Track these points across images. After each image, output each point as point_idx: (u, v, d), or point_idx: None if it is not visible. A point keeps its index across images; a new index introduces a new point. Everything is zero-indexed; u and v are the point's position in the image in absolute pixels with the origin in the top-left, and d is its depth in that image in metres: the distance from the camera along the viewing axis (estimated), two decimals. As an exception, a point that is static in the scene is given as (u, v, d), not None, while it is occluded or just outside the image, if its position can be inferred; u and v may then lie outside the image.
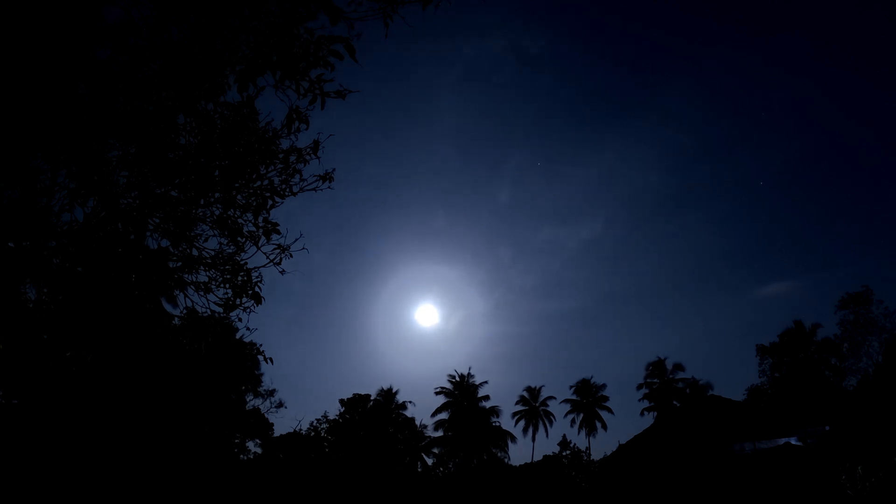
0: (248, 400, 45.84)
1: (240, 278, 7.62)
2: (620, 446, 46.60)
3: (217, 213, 7.55)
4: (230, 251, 7.69)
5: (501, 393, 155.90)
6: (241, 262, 7.68)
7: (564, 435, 70.90)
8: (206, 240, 7.73)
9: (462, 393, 68.23)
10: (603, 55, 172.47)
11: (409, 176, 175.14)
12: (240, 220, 7.61)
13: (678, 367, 67.12)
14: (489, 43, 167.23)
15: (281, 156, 7.49)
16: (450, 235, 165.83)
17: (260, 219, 7.49)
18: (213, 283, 7.71)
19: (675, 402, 64.01)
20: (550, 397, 73.88)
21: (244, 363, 36.01)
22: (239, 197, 7.50)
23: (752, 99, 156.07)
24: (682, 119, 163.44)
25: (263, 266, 7.64)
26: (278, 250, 7.60)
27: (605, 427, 70.95)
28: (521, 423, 72.54)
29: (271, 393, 47.63)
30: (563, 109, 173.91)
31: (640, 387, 68.41)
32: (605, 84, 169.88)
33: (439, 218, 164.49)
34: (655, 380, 67.48)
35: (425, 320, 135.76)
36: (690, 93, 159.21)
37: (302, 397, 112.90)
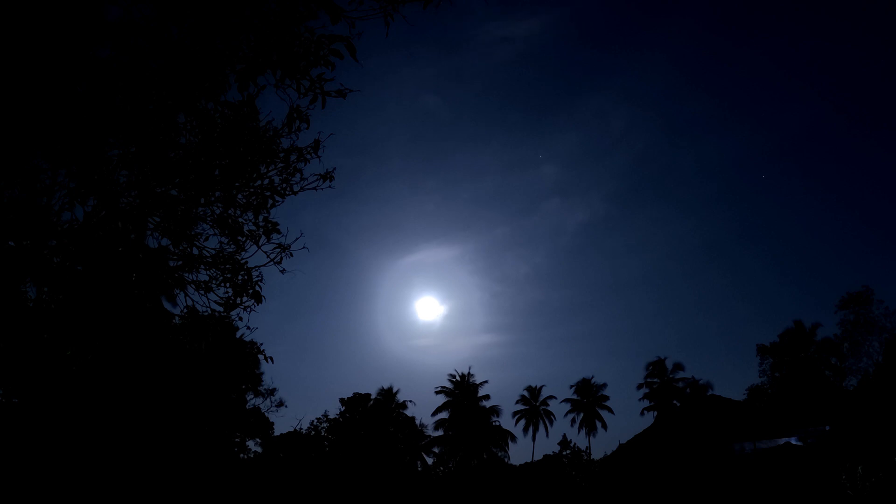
0: (248, 399, 45.83)
1: (240, 277, 7.62)
2: (620, 446, 46.59)
3: (217, 212, 7.55)
4: (230, 250, 7.69)
5: (501, 392, 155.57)
6: (242, 262, 7.68)
7: (565, 434, 70.97)
8: (206, 239, 7.73)
9: (462, 392, 68.23)
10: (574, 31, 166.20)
11: (399, 164, 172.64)
12: (240, 219, 7.61)
13: (678, 366, 67.25)
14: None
15: (281, 155, 7.50)
16: (443, 226, 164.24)
17: (260, 218, 7.50)
18: (214, 282, 7.71)
19: (675, 402, 64.04)
20: (551, 397, 74.01)
21: (244, 362, 36.01)
22: (239, 196, 7.51)
23: (752, 87, 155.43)
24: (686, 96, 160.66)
25: (264, 265, 7.65)
26: (279, 249, 7.61)
27: (605, 427, 71.09)
28: (522, 423, 72.67)
29: (271, 392, 47.62)
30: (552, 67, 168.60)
31: (640, 386, 68.54)
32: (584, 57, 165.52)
33: (430, 206, 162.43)
34: (655, 379, 67.52)
35: (425, 314, 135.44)
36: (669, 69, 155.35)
37: (302, 396, 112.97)
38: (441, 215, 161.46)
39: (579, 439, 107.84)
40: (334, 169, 7.66)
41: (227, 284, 7.65)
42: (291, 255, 7.66)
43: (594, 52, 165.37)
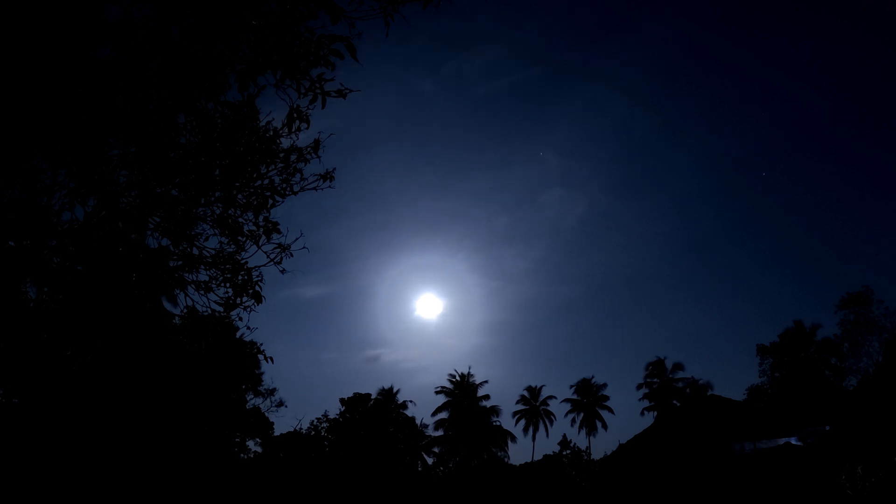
0: (248, 399, 45.84)
1: (240, 277, 7.63)
2: (621, 446, 46.59)
3: (217, 212, 7.56)
4: (230, 250, 7.70)
5: (501, 392, 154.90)
6: (242, 262, 7.69)
7: (565, 434, 70.95)
8: (206, 239, 7.75)
9: (462, 392, 68.26)
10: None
11: (396, 160, 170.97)
12: (240, 220, 7.62)
13: (678, 366, 67.29)
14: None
15: (281, 155, 7.51)
16: (441, 222, 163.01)
17: (260, 218, 7.51)
18: (214, 282, 7.72)
19: (675, 402, 64.08)
20: (551, 397, 74.02)
21: (244, 362, 36.03)
22: (239, 196, 7.51)
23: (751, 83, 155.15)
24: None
25: (264, 265, 7.66)
26: (279, 249, 7.62)
27: (605, 427, 71.12)
28: (522, 423, 72.67)
29: (271, 392, 47.65)
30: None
31: (639, 386, 68.57)
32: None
33: (428, 203, 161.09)
34: (655, 379, 67.56)
35: (425, 312, 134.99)
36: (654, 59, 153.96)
37: (302, 396, 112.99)
38: (439, 211, 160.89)
39: (579, 439, 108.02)
40: (334, 169, 7.68)
41: (227, 284, 7.66)
42: (291, 255, 7.68)
43: (594, 48, 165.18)
